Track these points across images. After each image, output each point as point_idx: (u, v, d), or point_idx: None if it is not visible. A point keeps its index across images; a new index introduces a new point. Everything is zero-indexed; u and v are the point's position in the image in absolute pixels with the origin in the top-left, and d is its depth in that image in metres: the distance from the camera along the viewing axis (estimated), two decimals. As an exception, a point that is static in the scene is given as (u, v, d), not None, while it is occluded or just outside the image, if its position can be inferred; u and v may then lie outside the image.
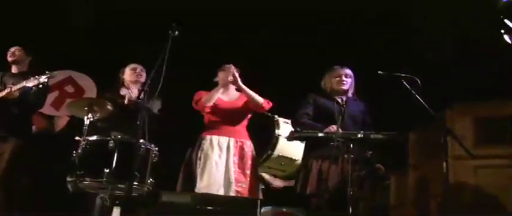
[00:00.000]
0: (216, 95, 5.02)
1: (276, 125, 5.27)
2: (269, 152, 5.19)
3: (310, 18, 6.78)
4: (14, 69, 5.34)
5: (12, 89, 5.00)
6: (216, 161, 4.87)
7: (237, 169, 4.89)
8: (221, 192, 4.73)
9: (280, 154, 5.20)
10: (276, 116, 5.34)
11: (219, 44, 6.77)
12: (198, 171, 4.85)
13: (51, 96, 7.21)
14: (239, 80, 5.01)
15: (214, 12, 6.85)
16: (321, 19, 6.75)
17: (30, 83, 4.98)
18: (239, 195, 4.77)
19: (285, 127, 5.27)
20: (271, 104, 5.09)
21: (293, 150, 5.21)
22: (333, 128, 4.58)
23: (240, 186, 4.81)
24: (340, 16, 6.64)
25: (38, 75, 5.01)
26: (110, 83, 5.45)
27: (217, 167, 4.85)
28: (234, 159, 4.91)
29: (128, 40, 7.03)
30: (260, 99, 5.02)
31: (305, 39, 6.85)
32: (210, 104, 5.00)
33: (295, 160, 5.24)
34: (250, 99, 5.01)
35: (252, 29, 6.77)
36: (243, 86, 5.02)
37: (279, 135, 5.18)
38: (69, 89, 7.46)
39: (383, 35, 6.54)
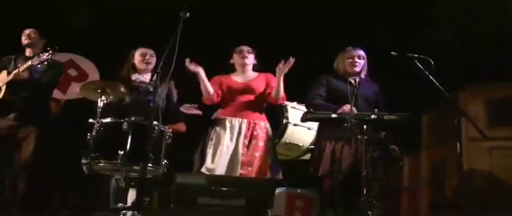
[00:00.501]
0: (204, 87, 4.98)
1: (284, 111, 5.26)
2: (276, 140, 5.20)
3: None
4: (27, 52, 5.32)
5: (20, 70, 5.00)
6: (227, 143, 4.87)
7: (246, 150, 4.86)
8: (224, 173, 4.73)
9: (288, 141, 5.21)
10: (285, 102, 5.30)
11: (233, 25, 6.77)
12: (208, 152, 4.85)
13: None
14: (284, 71, 4.92)
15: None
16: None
17: (35, 61, 4.97)
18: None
19: (293, 113, 5.27)
20: (285, 99, 5.08)
21: (301, 137, 5.25)
22: (347, 107, 4.57)
23: (246, 169, 4.78)
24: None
25: (41, 53, 5.00)
26: (114, 67, 5.42)
27: (228, 149, 4.85)
28: (244, 141, 4.89)
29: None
30: (282, 93, 4.97)
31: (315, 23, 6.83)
32: (211, 94, 4.99)
33: (301, 146, 5.26)
34: (275, 90, 4.95)
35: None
36: (281, 79, 4.93)
37: (288, 122, 5.17)
38: (72, 72, 7.50)
39: (395, 17, 6.50)
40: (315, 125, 5.24)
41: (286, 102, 5.31)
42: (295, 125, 5.27)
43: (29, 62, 5.04)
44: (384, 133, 4.57)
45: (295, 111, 5.32)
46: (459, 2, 6.17)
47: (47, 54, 4.99)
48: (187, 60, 4.88)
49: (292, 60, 4.84)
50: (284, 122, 5.18)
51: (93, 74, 7.41)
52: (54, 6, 7.15)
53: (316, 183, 4.45)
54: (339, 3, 6.67)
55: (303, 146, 5.29)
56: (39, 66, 5.12)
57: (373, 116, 4.45)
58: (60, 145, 6.08)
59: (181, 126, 5.22)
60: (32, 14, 6.79)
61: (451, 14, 6.32)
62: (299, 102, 5.46)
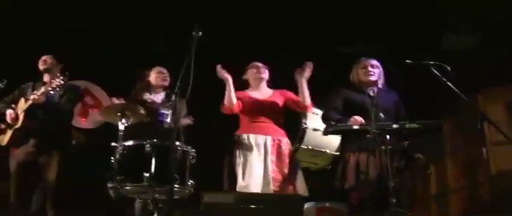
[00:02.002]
0: (229, 95, 4.96)
1: (302, 116, 5.24)
2: (297, 145, 5.17)
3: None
4: (45, 78, 5.30)
5: (36, 96, 4.99)
6: (255, 161, 4.83)
7: (275, 168, 4.83)
8: (259, 191, 4.70)
9: (310, 147, 5.17)
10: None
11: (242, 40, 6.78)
12: (238, 170, 4.82)
13: (76, 109, 7.27)
14: (303, 80, 4.95)
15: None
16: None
17: (49, 87, 4.97)
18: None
19: (312, 118, 5.24)
20: (312, 107, 5.06)
21: (323, 142, 5.20)
22: (355, 118, 4.57)
23: (277, 186, 4.75)
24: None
25: (54, 79, 5.00)
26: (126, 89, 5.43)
27: (257, 166, 4.81)
28: (272, 157, 4.86)
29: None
30: (308, 101, 4.98)
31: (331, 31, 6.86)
32: (233, 103, 4.96)
33: (325, 152, 5.22)
34: (302, 98, 4.97)
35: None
36: (305, 85, 4.95)
37: (306, 127, 5.15)
38: (89, 100, 7.53)
39: (411, 23, 6.52)
40: None
41: None
42: (314, 130, 5.24)
43: (43, 88, 5.02)
44: (407, 142, 4.56)
45: (313, 116, 5.30)
46: (477, 5, 6.18)
47: (60, 78, 4.98)
48: (218, 66, 4.90)
49: (310, 64, 4.87)
50: (302, 127, 5.14)
51: (106, 101, 7.40)
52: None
53: (343, 196, 4.47)
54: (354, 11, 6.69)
55: (328, 152, 5.24)
56: (55, 91, 5.10)
57: (394, 126, 4.44)
58: (83, 169, 6.08)
59: (188, 119, 5.19)
60: (46, 41, 6.82)
61: (470, 18, 6.34)
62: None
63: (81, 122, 7.34)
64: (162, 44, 7.35)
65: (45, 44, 6.30)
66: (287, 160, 4.89)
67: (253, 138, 4.91)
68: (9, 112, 5.20)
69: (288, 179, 4.82)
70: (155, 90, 5.29)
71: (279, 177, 4.80)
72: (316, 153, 5.17)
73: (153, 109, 5.11)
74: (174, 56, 4.98)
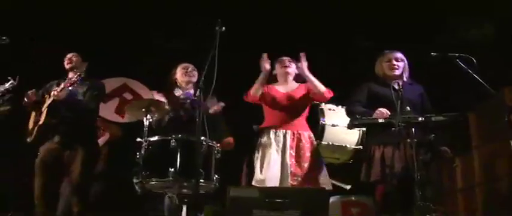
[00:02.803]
0: (258, 85, 4.96)
1: (320, 113, 5.22)
2: (317, 141, 5.15)
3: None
4: (70, 76, 5.32)
5: (56, 92, 5.01)
6: (273, 154, 4.81)
7: (294, 162, 4.81)
8: (277, 185, 4.68)
9: (330, 143, 5.14)
10: (321, 104, 5.27)
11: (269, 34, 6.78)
12: (256, 164, 4.82)
13: (113, 104, 7.43)
14: (306, 68, 4.93)
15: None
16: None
17: (68, 83, 5.01)
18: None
19: (330, 115, 5.22)
20: (332, 93, 5.00)
21: (342, 137, 5.16)
22: (381, 111, 4.55)
23: (295, 180, 4.73)
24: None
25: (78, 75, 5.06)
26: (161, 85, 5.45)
27: (275, 160, 4.79)
28: (290, 152, 4.83)
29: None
30: (322, 88, 4.93)
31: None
32: (258, 94, 4.96)
33: (346, 147, 5.19)
34: (314, 88, 4.94)
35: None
36: (309, 74, 4.92)
37: (324, 124, 5.12)
38: (128, 95, 7.59)
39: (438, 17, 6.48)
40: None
41: (322, 105, 5.28)
42: (333, 125, 5.20)
43: (62, 84, 5.05)
44: (433, 135, 4.53)
45: (332, 112, 5.27)
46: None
47: (76, 75, 5.02)
48: (264, 54, 4.93)
49: (303, 54, 4.90)
50: (321, 123, 5.11)
51: (147, 96, 7.41)
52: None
53: (369, 189, 4.45)
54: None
55: (348, 146, 5.20)
56: (77, 87, 5.14)
57: (420, 119, 4.41)
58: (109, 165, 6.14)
59: (229, 141, 5.19)
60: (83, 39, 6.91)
61: (495, 10, 6.27)
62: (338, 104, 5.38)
63: (118, 118, 7.38)
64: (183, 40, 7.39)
65: (74, 42, 6.36)
66: (308, 154, 4.85)
67: (273, 132, 4.90)
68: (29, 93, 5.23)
69: (309, 173, 4.79)
70: (185, 86, 5.30)
71: (298, 171, 4.77)
72: (337, 148, 5.13)
73: (183, 104, 5.12)
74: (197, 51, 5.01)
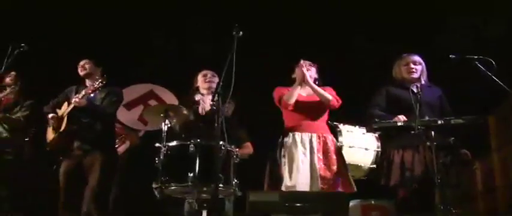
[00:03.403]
0: (295, 92, 4.95)
1: (338, 133, 5.14)
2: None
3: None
4: (86, 82, 5.37)
5: (77, 99, 5.06)
6: (301, 158, 4.79)
7: (323, 165, 4.78)
8: (307, 189, 4.66)
9: (346, 162, 5.06)
10: (339, 125, 5.22)
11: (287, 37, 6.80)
12: (284, 169, 4.79)
13: (137, 111, 7.41)
14: (307, 75, 4.92)
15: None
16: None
17: (89, 90, 5.06)
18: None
19: (347, 136, 5.15)
20: (340, 101, 4.97)
21: (358, 157, 5.12)
22: (399, 118, 4.58)
23: (325, 183, 4.70)
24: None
25: (94, 82, 5.11)
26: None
27: (303, 164, 4.76)
28: (318, 155, 4.81)
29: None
30: (328, 96, 4.90)
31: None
32: (292, 101, 4.93)
33: (361, 166, 5.13)
34: (319, 97, 4.92)
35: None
36: (310, 83, 4.91)
37: (342, 145, 5.06)
38: (152, 102, 7.59)
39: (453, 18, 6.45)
40: (372, 145, 5.15)
41: (340, 126, 5.22)
42: (350, 147, 5.13)
43: (83, 92, 5.09)
44: (453, 138, 4.50)
45: (349, 134, 5.20)
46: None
47: (99, 81, 5.05)
48: (302, 61, 4.97)
49: (301, 63, 4.92)
50: (338, 144, 5.05)
51: (171, 102, 7.44)
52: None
53: (389, 193, 4.43)
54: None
55: (363, 166, 5.14)
56: (95, 93, 5.19)
57: (439, 122, 4.39)
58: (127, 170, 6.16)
59: (249, 147, 5.18)
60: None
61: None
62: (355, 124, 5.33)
63: (141, 125, 7.41)
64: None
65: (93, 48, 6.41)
66: (334, 157, 4.82)
67: (299, 137, 4.87)
68: (51, 116, 5.29)
69: (337, 175, 4.76)
70: (206, 92, 5.32)
71: (327, 174, 4.73)
72: (353, 167, 5.07)
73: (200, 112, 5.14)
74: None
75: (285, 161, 4.80)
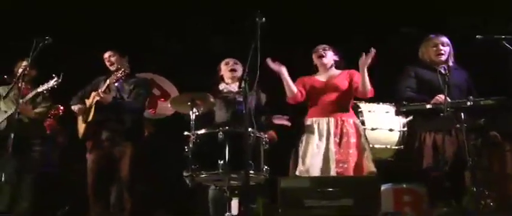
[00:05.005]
0: (286, 86, 4.88)
1: (359, 114, 5.07)
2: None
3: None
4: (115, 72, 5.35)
5: (100, 91, 5.07)
6: (316, 143, 4.76)
7: (338, 149, 4.72)
8: (319, 174, 4.62)
9: (371, 145, 4.91)
10: (360, 105, 5.17)
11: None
12: (300, 154, 4.79)
13: None
14: (366, 64, 4.73)
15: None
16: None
17: (112, 81, 5.07)
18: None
19: (369, 117, 5.10)
20: (373, 93, 4.87)
21: (382, 138, 5.07)
22: (440, 97, 4.47)
23: (341, 167, 4.62)
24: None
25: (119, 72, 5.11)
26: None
27: (318, 149, 4.73)
28: (335, 139, 4.75)
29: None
30: (368, 87, 4.79)
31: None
32: (293, 94, 4.89)
33: (386, 148, 5.07)
34: (361, 84, 4.80)
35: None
36: (365, 71, 4.74)
37: (364, 128, 4.98)
38: (156, 91, 7.61)
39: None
40: (397, 125, 5.10)
41: (361, 106, 5.17)
42: (372, 129, 5.08)
43: (107, 82, 5.10)
44: (483, 120, 4.46)
45: (371, 114, 5.15)
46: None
47: (120, 72, 5.06)
48: (268, 60, 4.78)
49: (373, 51, 4.68)
50: (359, 126, 5.00)
51: (174, 93, 7.49)
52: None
53: (421, 176, 4.41)
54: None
55: (389, 147, 5.10)
56: (122, 84, 5.19)
57: (469, 103, 4.36)
58: (155, 160, 6.18)
59: (272, 135, 5.16)
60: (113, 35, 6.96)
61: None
62: (379, 102, 5.26)
63: (150, 113, 7.44)
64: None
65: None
66: (353, 140, 4.75)
67: (316, 122, 4.84)
68: (75, 107, 5.33)
69: (355, 159, 4.69)
70: (231, 80, 5.31)
71: (343, 158, 4.66)
72: (378, 150, 5.02)
73: (227, 98, 5.14)
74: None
75: (301, 146, 4.78)
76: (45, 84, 5.29)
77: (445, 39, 4.94)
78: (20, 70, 5.40)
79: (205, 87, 5.15)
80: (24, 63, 5.51)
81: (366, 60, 4.70)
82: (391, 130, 5.09)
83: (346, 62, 5.12)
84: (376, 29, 6.75)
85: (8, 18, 6.82)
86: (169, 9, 7.20)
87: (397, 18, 6.80)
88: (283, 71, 4.86)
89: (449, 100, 4.37)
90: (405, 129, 5.06)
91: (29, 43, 4.83)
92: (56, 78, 5.25)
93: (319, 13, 6.96)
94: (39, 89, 5.31)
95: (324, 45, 5.08)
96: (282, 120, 5.09)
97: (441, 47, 4.91)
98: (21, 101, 5.01)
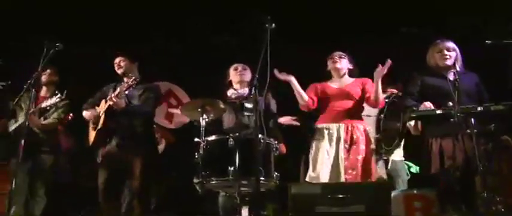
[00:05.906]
0: (297, 94, 4.95)
1: None
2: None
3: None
4: (125, 80, 5.33)
5: (111, 97, 5.05)
6: (326, 149, 4.79)
7: (348, 155, 4.76)
8: (327, 180, 4.65)
9: None
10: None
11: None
12: (311, 160, 4.81)
13: (162, 110, 7.53)
14: (381, 74, 4.79)
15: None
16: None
17: (123, 88, 5.05)
18: None
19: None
20: (383, 104, 4.95)
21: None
22: (424, 105, 4.53)
23: (350, 174, 4.67)
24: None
25: (129, 78, 5.10)
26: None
27: (328, 155, 4.77)
28: (344, 145, 4.80)
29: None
30: (380, 99, 4.87)
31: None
32: (304, 101, 4.95)
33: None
34: (373, 94, 4.86)
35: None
36: (379, 81, 4.80)
37: None
38: (173, 101, 7.66)
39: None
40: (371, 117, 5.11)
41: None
42: None
43: (118, 89, 5.11)
44: (493, 125, 4.45)
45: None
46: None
47: (132, 79, 5.06)
48: (275, 71, 4.79)
49: (389, 62, 4.74)
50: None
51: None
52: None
53: (432, 182, 4.40)
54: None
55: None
56: (132, 91, 5.19)
57: (479, 108, 4.34)
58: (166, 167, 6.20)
59: (282, 147, 5.16)
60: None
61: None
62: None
63: (167, 123, 7.46)
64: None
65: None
66: (362, 147, 4.78)
67: (326, 128, 4.88)
68: (86, 114, 5.34)
69: (364, 165, 4.73)
70: (239, 85, 5.33)
71: (353, 164, 4.70)
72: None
73: (235, 103, 5.15)
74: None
75: (311, 152, 4.82)
76: (49, 100, 5.34)
77: (450, 45, 4.93)
78: (43, 78, 5.47)
79: (206, 87, 5.17)
80: (48, 71, 5.59)
81: (381, 71, 4.74)
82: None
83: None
84: (376, 29, 6.76)
85: (8, 18, 6.84)
86: (169, 9, 7.20)
87: (397, 18, 6.81)
88: (292, 80, 4.91)
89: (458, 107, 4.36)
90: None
91: (29, 44, 4.86)
92: (59, 95, 5.28)
93: (319, 13, 6.98)
94: (43, 105, 5.36)
95: (340, 53, 5.12)
96: (288, 121, 5.11)
97: (446, 52, 4.89)
98: (30, 111, 5.04)
